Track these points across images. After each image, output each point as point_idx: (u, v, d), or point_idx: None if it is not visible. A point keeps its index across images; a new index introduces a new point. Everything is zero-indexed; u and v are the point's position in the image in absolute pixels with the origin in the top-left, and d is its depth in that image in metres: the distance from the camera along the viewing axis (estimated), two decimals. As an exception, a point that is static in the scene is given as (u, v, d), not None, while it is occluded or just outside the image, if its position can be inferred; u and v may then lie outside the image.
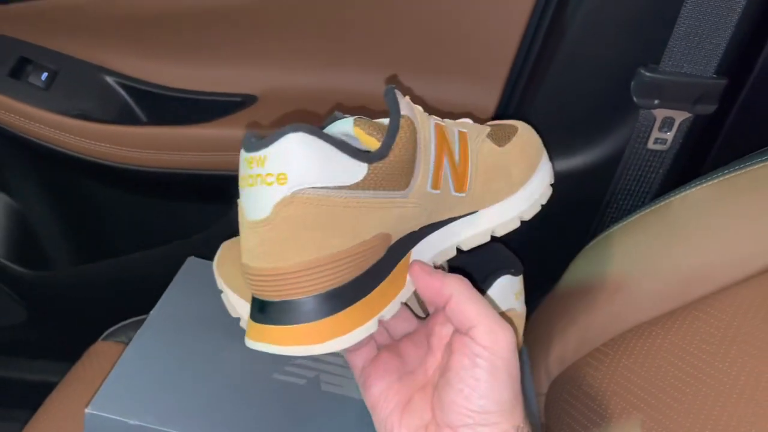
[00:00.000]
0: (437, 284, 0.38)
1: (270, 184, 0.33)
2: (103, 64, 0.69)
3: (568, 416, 0.53)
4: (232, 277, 0.52)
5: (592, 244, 0.60)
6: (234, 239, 0.56)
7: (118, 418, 0.42)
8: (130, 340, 0.49)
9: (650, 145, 0.61)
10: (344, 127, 0.38)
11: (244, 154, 0.34)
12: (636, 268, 0.55)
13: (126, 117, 0.70)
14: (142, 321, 0.51)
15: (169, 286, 0.55)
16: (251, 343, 0.36)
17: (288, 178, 0.33)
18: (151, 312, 0.51)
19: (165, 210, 0.79)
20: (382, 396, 0.39)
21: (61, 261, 0.83)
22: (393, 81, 0.68)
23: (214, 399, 0.45)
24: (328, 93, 0.69)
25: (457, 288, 0.37)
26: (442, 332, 0.39)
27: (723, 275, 0.49)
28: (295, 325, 0.34)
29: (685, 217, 0.53)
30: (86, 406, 0.42)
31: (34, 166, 0.77)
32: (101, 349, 0.65)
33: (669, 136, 0.61)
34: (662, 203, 0.55)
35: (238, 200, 0.36)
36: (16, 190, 0.79)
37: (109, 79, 0.69)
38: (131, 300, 0.66)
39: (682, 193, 0.54)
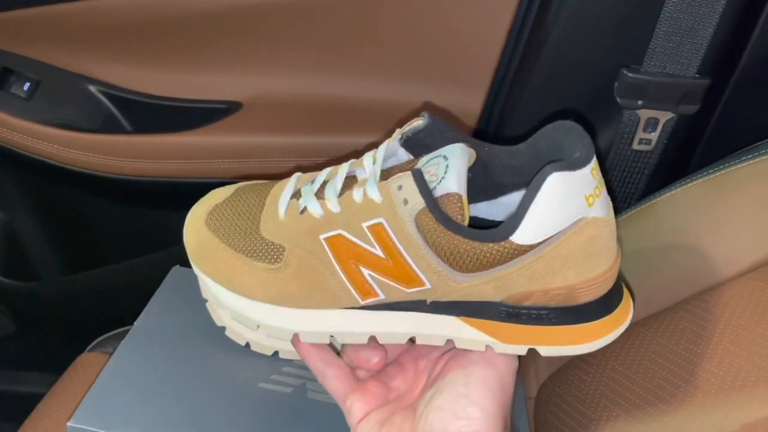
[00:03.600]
0: None
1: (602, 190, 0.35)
2: (86, 73, 0.68)
3: (557, 419, 0.52)
4: None
5: (579, 245, 0.59)
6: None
7: (100, 431, 0.41)
8: (115, 350, 0.48)
9: (635, 145, 0.61)
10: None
11: (587, 169, 0.33)
12: (622, 269, 0.54)
13: (110, 126, 0.69)
14: (128, 331, 0.50)
15: (154, 296, 0.54)
16: (599, 342, 0.38)
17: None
18: (135, 322, 0.51)
19: (151, 219, 0.79)
20: (365, 419, 0.39)
21: (47, 271, 0.83)
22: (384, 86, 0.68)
23: (199, 410, 0.44)
24: (314, 99, 0.69)
25: None
26: (432, 354, 0.40)
27: (709, 275, 0.49)
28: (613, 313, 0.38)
29: (670, 217, 0.53)
30: (69, 419, 0.42)
31: (18, 177, 0.76)
32: (87, 360, 0.64)
33: (653, 136, 0.61)
34: (647, 204, 0.54)
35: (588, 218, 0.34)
36: (0, 200, 0.79)
37: (92, 88, 0.69)
38: (119, 309, 0.65)
39: (667, 194, 0.53)
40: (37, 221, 0.80)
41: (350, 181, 0.37)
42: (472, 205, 0.39)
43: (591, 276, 0.35)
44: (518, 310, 0.36)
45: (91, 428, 0.41)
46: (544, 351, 0.37)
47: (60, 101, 0.68)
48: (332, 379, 0.41)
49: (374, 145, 0.69)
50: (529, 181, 0.34)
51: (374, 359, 0.41)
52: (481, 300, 0.36)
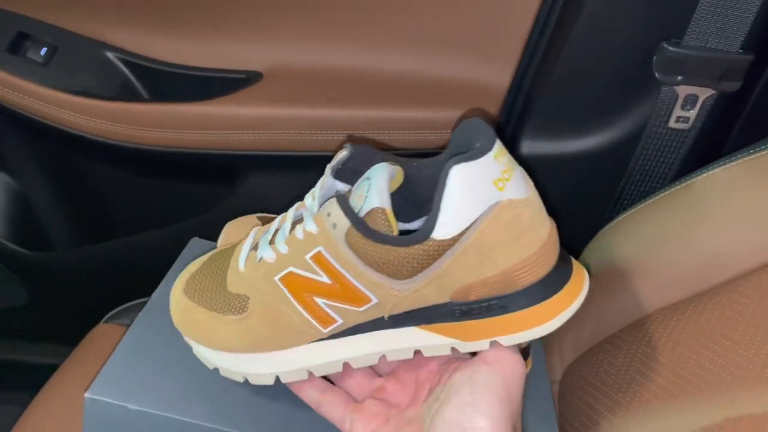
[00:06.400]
0: None
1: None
2: (104, 39, 0.67)
3: (584, 403, 0.51)
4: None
5: (609, 226, 0.57)
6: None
7: (117, 402, 0.41)
8: (132, 322, 0.47)
9: (672, 123, 0.59)
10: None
11: (489, 156, 0.34)
12: (655, 251, 0.53)
13: (127, 93, 0.68)
14: (145, 303, 0.49)
15: (172, 268, 0.53)
16: (557, 320, 0.37)
17: None
18: (153, 294, 0.50)
19: (167, 189, 0.78)
20: None
21: (62, 242, 0.82)
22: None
23: (215, 383, 0.43)
24: (336, 70, 0.67)
25: None
26: (431, 364, 0.40)
27: (747, 259, 0.47)
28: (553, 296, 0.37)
29: (707, 198, 0.51)
30: (86, 390, 0.41)
31: (34, 144, 0.75)
32: (103, 331, 0.64)
33: (692, 114, 0.58)
34: (684, 184, 0.52)
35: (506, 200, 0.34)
36: (15, 168, 0.78)
37: (110, 55, 0.67)
38: (134, 281, 0.65)
39: (705, 174, 0.51)
40: (52, 191, 0.79)
41: (298, 223, 0.39)
42: (412, 223, 0.40)
43: (522, 258, 0.35)
44: (469, 306, 0.37)
45: (108, 399, 0.40)
46: (506, 341, 0.37)
47: (77, 68, 0.67)
48: (328, 405, 0.41)
49: (396, 120, 0.67)
50: None
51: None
52: (431, 304, 0.37)
